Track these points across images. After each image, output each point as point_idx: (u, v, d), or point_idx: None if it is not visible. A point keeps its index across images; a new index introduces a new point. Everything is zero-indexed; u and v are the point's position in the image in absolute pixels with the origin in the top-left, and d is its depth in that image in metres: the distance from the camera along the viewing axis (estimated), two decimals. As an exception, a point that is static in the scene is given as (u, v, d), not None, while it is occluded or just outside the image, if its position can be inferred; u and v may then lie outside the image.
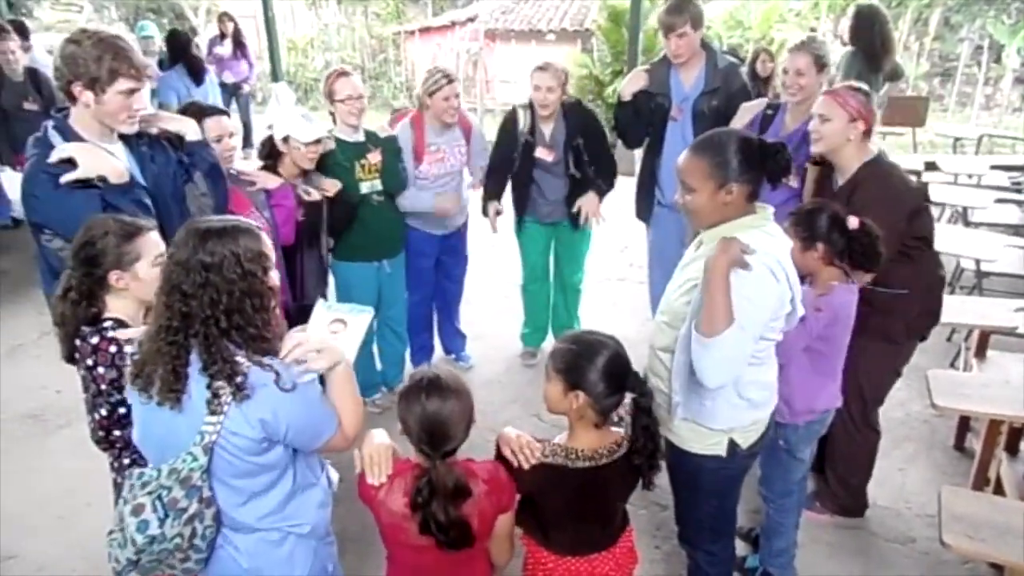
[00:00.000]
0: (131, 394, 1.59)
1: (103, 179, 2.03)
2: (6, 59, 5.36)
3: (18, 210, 5.26)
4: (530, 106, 3.63)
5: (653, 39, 8.02)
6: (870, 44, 4.75)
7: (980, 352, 3.30)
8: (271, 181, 2.89)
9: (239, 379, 1.46)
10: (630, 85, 3.52)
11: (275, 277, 1.60)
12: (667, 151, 3.48)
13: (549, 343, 4.16)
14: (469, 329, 4.26)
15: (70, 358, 1.89)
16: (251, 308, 1.51)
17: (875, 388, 2.76)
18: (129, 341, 1.78)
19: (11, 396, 3.89)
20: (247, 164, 3.11)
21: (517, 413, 3.63)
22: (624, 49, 8.34)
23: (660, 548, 2.82)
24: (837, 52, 6.48)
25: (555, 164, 3.66)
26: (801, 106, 3.00)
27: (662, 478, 2.02)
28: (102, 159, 2.06)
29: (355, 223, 3.30)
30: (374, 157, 3.30)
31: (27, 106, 5.44)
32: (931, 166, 6.08)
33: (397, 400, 1.70)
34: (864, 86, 2.55)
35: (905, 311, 2.59)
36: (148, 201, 2.17)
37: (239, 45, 8.09)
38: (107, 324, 1.85)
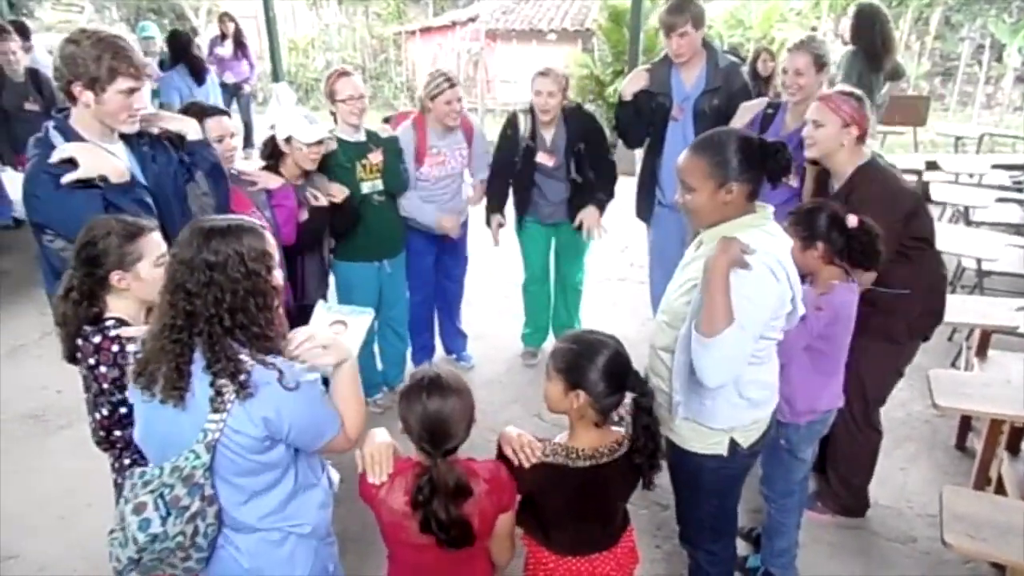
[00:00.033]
0: (133, 393, 1.59)
1: (104, 179, 2.03)
2: (7, 59, 5.37)
3: (19, 210, 5.28)
4: (531, 111, 3.63)
5: (654, 39, 8.02)
6: (871, 43, 4.74)
7: (981, 352, 3.29)
8: (272, 181, 2.89)
9: (243, 377, 1.46)
10: (631, 85, 3.52)
11: (279, 276, 1.61)
12: (668, 151, 3.47)
13: (550, 343, 4.16)
14: (470, 329, 4.26)
15: (71, 358, 1.89)
16: (255, 307, 1.51)
17: (877, 388, 2.76)
18: (132, 339, 1.78)
19: (12, 396, 3.89)
20: (248, 164, 3.11)
21: (518, 413, 3.63)
22: (625, 49, 8.33)
23: (661, 548, 2.82)
24: (838, 51, 6.47)
25: (556, 168, 3.67)
26: (801, 105, 3.00)
27: (663, 478, 2.02)
28: (103, 159, 2.06)
29: (356, 224, 3.29)
30: (375, 157, 3.30)
31: (28, 106, 5.44)
32: (932, 165, 6.09)
33: (398, 399, 1.70)
34: (858, 91, 2.55)
35: (907, 311, 2.58)
36: (149, 200, 2.17)
37: (240, 45, 8.10)
38: (109, 323, 1.85)
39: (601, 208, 3.68)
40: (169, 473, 1.49)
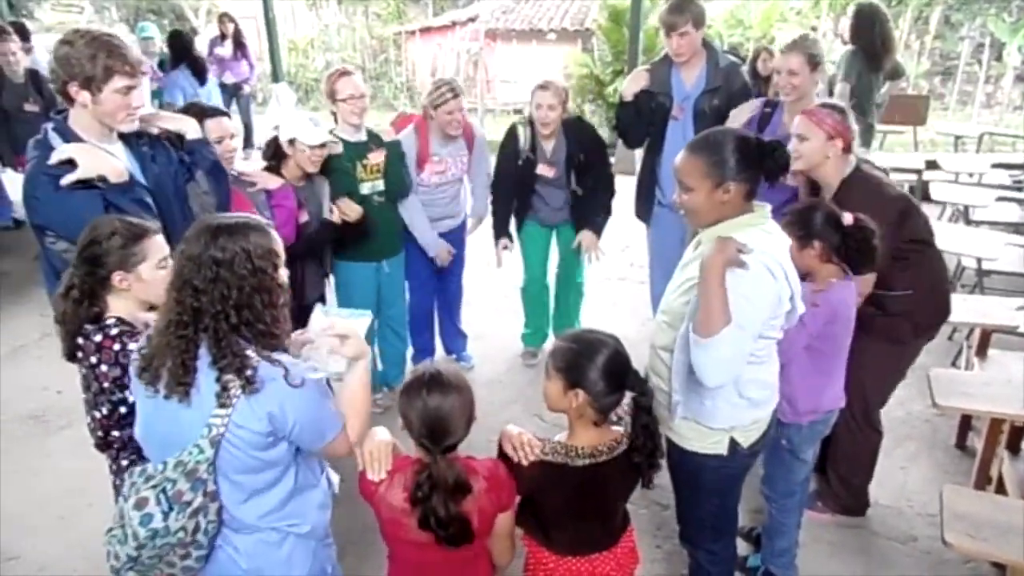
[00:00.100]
0: (137, 388, 1.59)
1: (103, 179, 2.03)
2: (7, 60, 5.37)
3: (19, 211, 5.29)
4: (530, 123, 3.63)
5: (653, 38, 8.03)
6: (871, 43, 4.74)
7: (981, 351, 3.29)
8: (272, 182, 2.90)
9: (249, 372, 1.47)
10: (631, 85, 3.52)
11: (284, 274, 1.62)
12: (668, 150, 3.47)
13: (550, 343, 4.16)
14: (470, 329, 4.26)
15: (71, 356, 1.89)
16: (260, 304, 1.52)
17: (878, 388, 2.76)
18: (134, 338, 1.79)
19: (12, 396, 3.89)
20: (248, 165, 3.12)
21: (518, 413, 3.63)
22: (625, 48, 8.34)
23: (661, 547, 2.82)
24: (838, 51, 6.47)
25: (556, 179, 3.69)
26: (797, 105, 3.00)
27: (663, 477, 2.02)
28: (101, 159, 2.06)
29: (356, 224, 3.29)
30: (375, 157, 3.30)
31: (28, 107, 5.45)
32: (932, 165, 6.08)
33: (399, 396, 1.70)
34: (841, 104, 2.56)
35: (911, 312, 2.59)
36: (149, 200, 2.17)
37: (239, 46, 8.10)
38: (110, 322, 1.85)
39: (598, 232, 3.73)
40: (172, 468, 1.49)
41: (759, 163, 1.85)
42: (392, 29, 14.65)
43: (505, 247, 3.84)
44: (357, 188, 3.25)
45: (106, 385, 1.82)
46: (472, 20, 13.67)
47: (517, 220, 3.91)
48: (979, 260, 4.18)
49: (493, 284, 4.81)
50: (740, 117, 3.20)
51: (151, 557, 1.52)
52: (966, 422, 3.39)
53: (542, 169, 3.66)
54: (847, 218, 2.20)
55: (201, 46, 7.62)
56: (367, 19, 15.18)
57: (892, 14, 6.36)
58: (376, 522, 1.75)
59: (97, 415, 1.85)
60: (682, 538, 2.29)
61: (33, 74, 5.51)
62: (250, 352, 1.50)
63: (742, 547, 2.64)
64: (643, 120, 3.56)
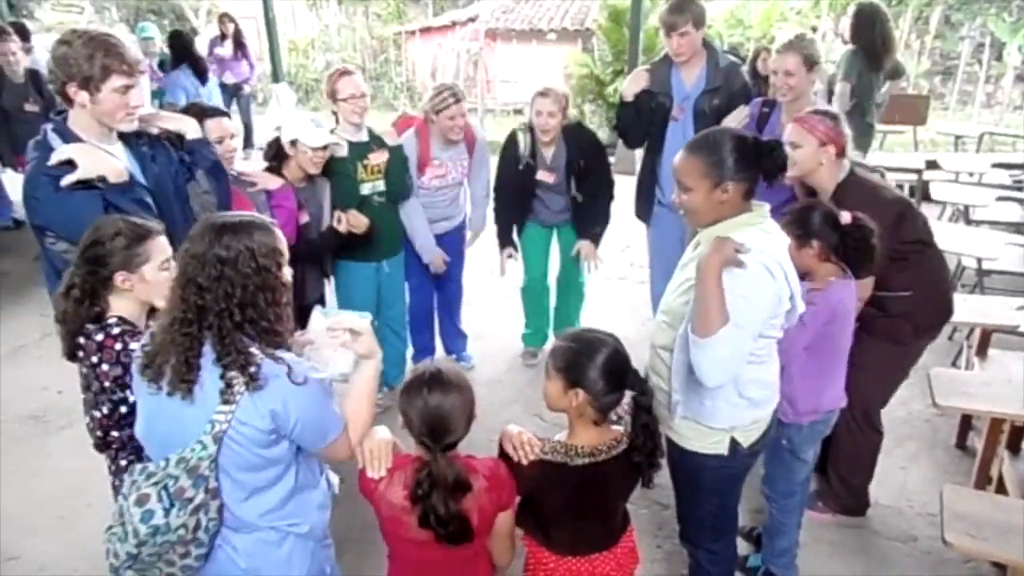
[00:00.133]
0: (139, 386, 1.60)
1: (103, 179, 2.03)
2: (7, 60, 5.37)
3: (20, 211, 5.29)
4: (530, 129, 3.63)
5: (654, 38, 8.02)
6: (871, 42, 4.74)
7: (982, 351, 3.29)
8: (272, 182, 2.89)
9: (252, 369, 1.47)
10: (632, 85, 3.51)
11: (288, 272, 1.63)
12: (668, 150, 3.47)
13: (551, 343, 4.16)
14: (470, 329, 4.26)
15: (71, 355, 1.89)
16: (264, 302, 1.53)
17: (879, 389, 2.76)
18: (136, 337, 1.79)
19: (12, 397, 3.89)
20: (248, 165, 3.11)
21: (518, 413, 3.63)
22: (625, 48, 8.34)
23: (661, 547, 2.82)
24: (838, 51, 6.46)
25: (556, 185, 3.70)
26: (794, 104, 3.01)
27: (664, 477, 2.02)
28: (101, 159, 2.06)
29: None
30: (376, 158, 3.29)
31: (28, 107, 5.45)
32: (932, 164, 6.08)
33: (399, 394, 1.71)
34: (833, 110, 2.56)
35: (912, 313, 2.58)
36: (149, 200, 2.17)
37: (240, 46, 8.10)
38: (112, 321, 1.85)
39: (597, 241, 3.75)
40: (175, 464, 1.50)
41: (757, 162, 1.85)
42: (392, 29, 14.65)
43: (510, 256, 3.85)
44: (357, 189, 3.25)
45: (107, 384, 1.82)
46: (472, 20, 13.67)
47: (518, 224, 3.91)
48: (979, 260, 4.18)
49: (493, 284, 4.80)
50: (736, 120, 3.20)
51: (151, 555, 1.52)
52: (966, 422, 3.39)
53: (542, 175, 3.67)
54: (845, 217, 2.21)
55: (201, 46, 7.63)
56: (367, 19, 15.17)
57: (892, 14, 6.36)
58: (376, 521, 1.76)
59: (97, 415, 1.85)
60: (682, 538, 2.29)
61: (33, 74, 5.51)
62: (254, 349, 1.51)
63: (742, 547, 2.64)
64: (643, 120, 3.56)
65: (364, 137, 3.29)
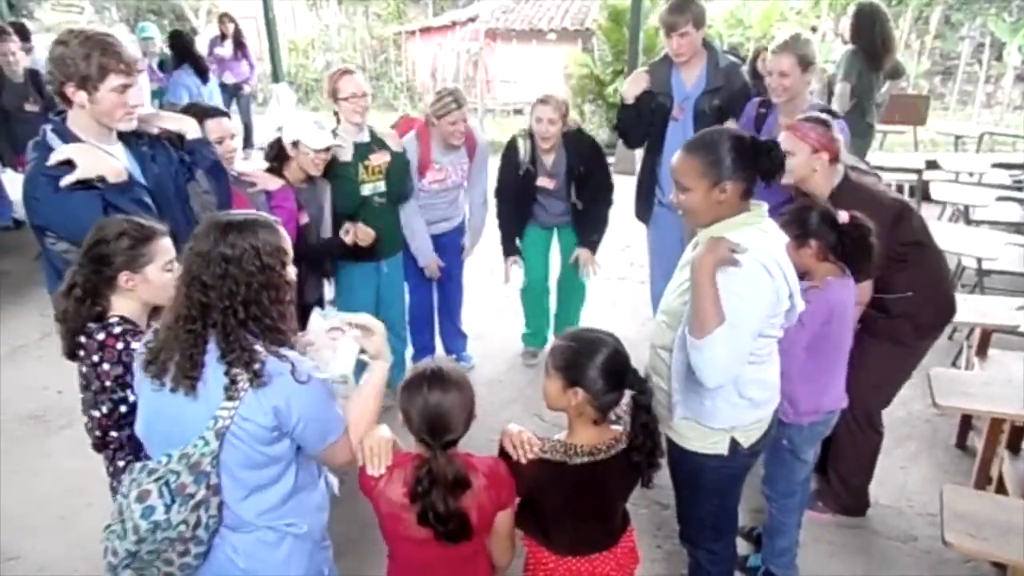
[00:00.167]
0: (141, 382, 1.60)
1: (102, 179, 2.03)
2: (7, 60, 5.37)
3: (20, 211, 5.29)
4: (530, 135, 3.63)
5: (654, 38, 8.03)
6: (871, 42, 4.74)
7: (982, 351, 3.29)
8: (272, 183, 2.89)
9: (257, 366, 1.48)
10: (632, 88, 3.50)
11: (292, 271, 1.63)
12: (668, 151, 3.47)
13: (551, 344, 4.16)
14: (470, 329, 4.26)
15: (71, 354, 1.89)
16: (268, 300, 1.54)
17: (880, 390, 2.75)
18: (137, 336, 1.79)
19: (12, 396, 3.89)
20: (248, 165, 3.11)
21: (518, 413, 3.63)
22: (625, 48, 8.34)
23: (661, 547, 2.82)
24: (838, 50, 6.46)
25: (556, 190, 3.71)
26: (790, 105, 3.02)
27: (664, 477, 2.02)
28: (100, 159, 2.06)
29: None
30: (378, 159, 3.28)
31: (28, 107, 5.45)
32: (932, 164, 6.08)
33: (399, 391, 1.71)
34: (824, 116, 2.56)
35: (912, 314, 2.59)
36: (149, 201, 2.16)
37: (240, 46, 8.10)
38: (113, 320, 1.85)
39: (595, 248, 3.78)
40: (177, 460, 1.51)
41: (755, 162, 1.86)
42: (392, 29, 14.66)
43: (515, 263, 3.87)
44: (358, 190, 3.24)
45: (107, 384, 1.82)
46: (472, 20, 13.68)
47: (519, 229, 3.92)
48: (979, 260, 4.18)
49: (493, 284, 4.81)
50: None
51: (150, 552, 1.53)
52: (966, 422, 3.39)
53: (543, 181, 3.68)
54: (843, 216, 2.22)
55: (201, 46, 7.63)
56: (367, 19, 15.18)
57: (892, 14, 6.36)
58: (376, 521, 1.76)
59: (96, 414, 1.85)
60: (682, 537, 2.29)
61: (33, 74, 5.51)
62: (258, 347, 1.51)
63: (742, 547, 2.64)
64: (643, 121, 3.56)
65: (365, 138, 3.28)
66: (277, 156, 2.98)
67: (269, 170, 2.95)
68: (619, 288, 5.12)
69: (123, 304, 1.89)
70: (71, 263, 2.02)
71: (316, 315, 1.82)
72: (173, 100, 6.35)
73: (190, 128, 2.36)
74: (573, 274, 4.01)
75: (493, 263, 4.71)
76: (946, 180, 5.79)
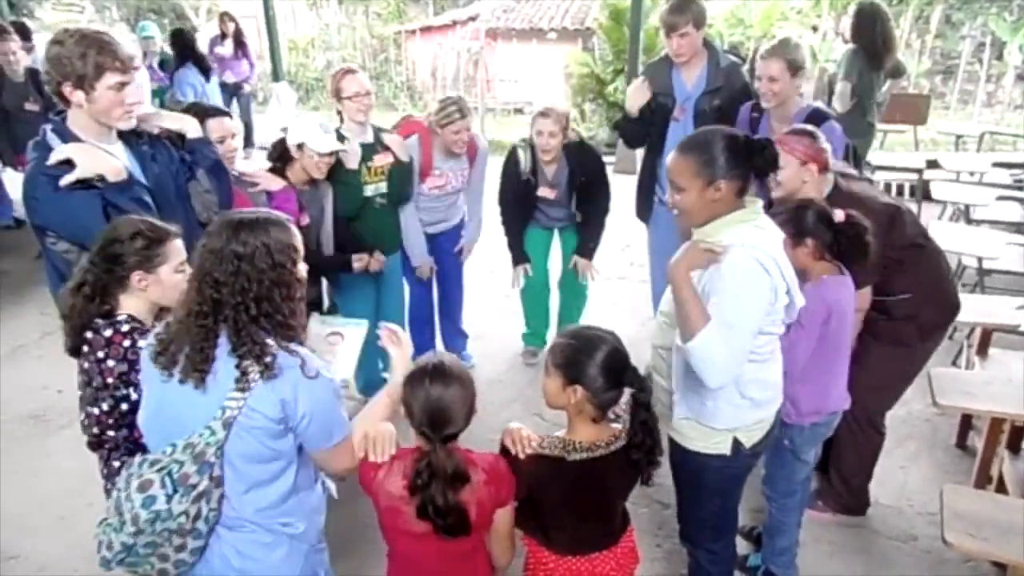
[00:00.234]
0: (149, 374, 1.61)
1: (102, 178, 2.03)
2: (7, 60, 5.37)
3: (20, 210, 5.29)
4: (531, 146, 3.63)
5: (654, 38, 8.02)
6: (871, 42, 4.73)
7: (982, 350, 3.29)
8: (274, 183, 2.89)
9: (268, 359, 1.50)
10: (635, 100, 3.49)
11: (303, 268, 1.65)
12: (668, 151, 3.42)
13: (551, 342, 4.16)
14: (470, 329, 4.26)
15: (75, 351, 1.89)
16: (279, 297, 1.56)
17: (883, 392, 2.75)
18: (144, 335, 1.79)
19: (12, 396, 3.89)
20: (248, 164, 3.11)
21: (518, 412, 3.63)
22: (625, 48, 8.34)
23: (661, 547, 2.82)
24: (838, 50, 6.45)
25: (557, 200, 3.72)
26: (780, 109, 3.02)
27: (664, 476, 2.02)
28: (99, 158, 2.06)
29: (356, 224, 3.29)
30: (381, 160, 3.28)
31: (28, 107, 5.44)
32: (933, 164, 6.08)
33: (402, 385, 1.73)
34: (810, 127, 2.56)
35: (914, 315, 2.58)
36: (148, 200, 2.17)
37: (240, 45, 8.09)
38: (122, 318, 1.86)
39: (591, 256, 3.82)
40: (182, 450, 1.51)
41: (749, 160, 1.87)
42: (392, 28, 14.64)
43: (525, 271, 3.88)
44: (361, 191, 3.24)
45: (110, 380, 1.82)
46: (472, 19, 13.67)
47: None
48: (980, 259, 4.18)
49: (493, 284, 4.81)
50: None
51: (147, 545, 1.53)
52: (966, 421, 3.39)
53: (543, 191, 3.69)
54: (839, 215, 2.22)
55: (201, 45, 7.63)
56: (367, 18, 15.16)
57: (893, 13, 6.35)
58: (375, 521, 1.76)
59: (95, 411, 1.85)
60: (682, 537, 2.29)
61: (33, 73, 5.50)
62: (269, 341, 1.53)
63: (742, 546, 2.64)
64: (644, 122, 3.55)
65: (369, 138, 3.28)
66: (280, 157, 2.98)
67: (271, 170, 2.95)
68: (619, 288, 5.12)
69: (132, 303, 1.90)
70: (71, 263, 2.03)
71: (314, 320, 1.83)
72: (180, 98, 6.40)
73: (191, 127, 2.36)
74: (574, 275, 4.01)
75: (493, 263, 4.72)
76: (947, 179, 5.79)
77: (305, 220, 3.00)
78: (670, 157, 1.93)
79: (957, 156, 7.08)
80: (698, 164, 1.85)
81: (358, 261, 3.15)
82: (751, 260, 1.79)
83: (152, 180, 2.22)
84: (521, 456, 1.78)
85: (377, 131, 3.34)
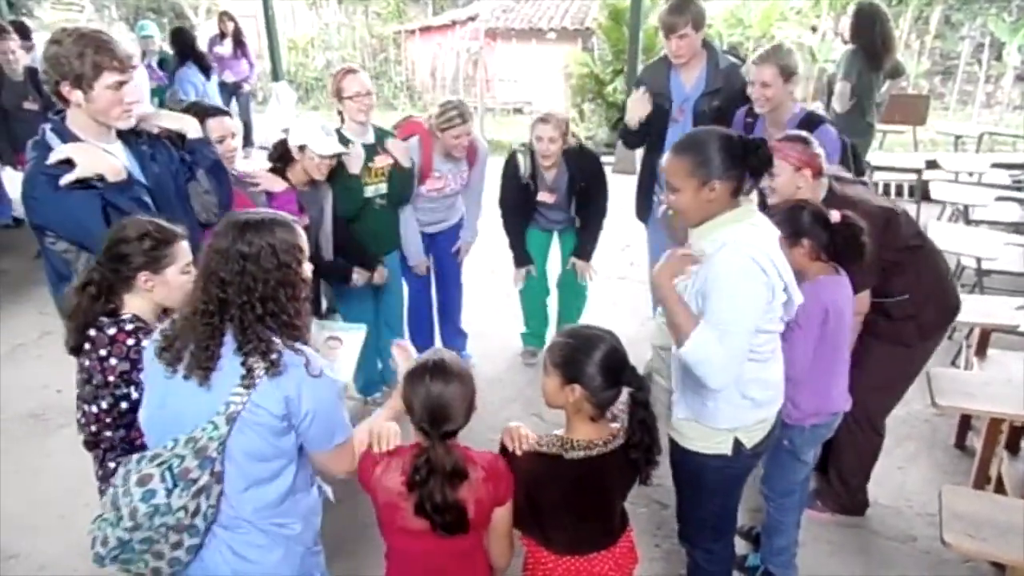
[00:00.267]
0: (152, 370, 1.61)
1: (101, 178, 2.03)
2: (6, 59, 5.36)
3: (19, 210, 5.28)
4: (530, 151, 3.63)
5: (653, 38, 8.03)
6: (871, 42, 4.74)
7: (981, 350, 3.29)
8: (275, 184, 2.89)
9: (274, 356, 1.51)
10: (636, 112, 3.49)
11: (308, 268, 1.66)
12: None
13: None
14: (470, 328, 4.25)
15: (76, 349, 1.89)
16: (285, 297, 1.57)
17: (883, 393, 2.75)
18: (148, 334, 1.80)
19: (12, 396, 3.89)
20: (248, 164, 3.11)
21: (518, 412, 3.63)
22: (625, 48, 8.34)
23: (660, 547, 2.82)
24: (838, 50, 6.45)
25: (556, 204, 3.73)
26: (773, 115, 3.02)
27: (664, 477, 2.02)
28: (99, 158, 2.06)
29: (355, 224, 3.29)
30: (381, 160, 3.28)
31: (27, 106, 5.44)
32: (932, 164, 6.08)
33: (403, 382, 1.73)
34: (803, 133, 2.57)
35: (915, 315, 2.59)
36: (148, 200, 2.17)
37: (239, 44, 8.08)
38: (126, 317, 1.87)
39: (589, 258, 3.85)
40: (184, 444, 1.52)
41: (743, 160, 1.87)
42: (392, 28, 14.63)
43: (530, 272, 3.90)
44: (362, 192, 3.24)
45: (111, 379, 1.82)
46: (472, 19, 13.67)
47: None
48: (979, 260, 4.18)
49: (493, 284, 4.81)
50: None
51: (142, 541, 1.53)
52: (965, 422, 3.39)
53: (543, 196, 3.70)
54: (834, 216, 2.23)
55: (201, 44, 7.62)
56: (367, 18, 15.15)
57: (892, 13, 6.35)
58: (374, 521, 1.76)
59: (94, 409, 1.85)
60: (681, 537, 2.29)
61: (33, 72, 5.49)
62: (275, 339, 1.54)
63: (741, 546, 2.64)
64: (643, 128, 3.55)
65: (370, 139, 3.27)
66: (281, 157, 2.98)
67: (272, 171, 2.95)
68: (619, 288, 5.12)
69: (136, 303, 1.90)
70: (70, 262, 2.03)
71: (313, 325, 1.84)
72: (182, 96, 6.41)
73: (191, 127, 2.36)
74: (573, 275, 4.02)
75: (493, 263, 4.72)
76: (946, 180, 5.79)
77: (305, 220, 3.00)
78: (665, 157, 1.94)
79: (956, 157, 7.09)
80: (693, 164, 1.86)
81: (359, 276, 3.17)
82: (746, 259, 1.79)
83: (152, 180, 2.22)
84: (517, 452, 1.79)
85: (379, 133, 3.33)
